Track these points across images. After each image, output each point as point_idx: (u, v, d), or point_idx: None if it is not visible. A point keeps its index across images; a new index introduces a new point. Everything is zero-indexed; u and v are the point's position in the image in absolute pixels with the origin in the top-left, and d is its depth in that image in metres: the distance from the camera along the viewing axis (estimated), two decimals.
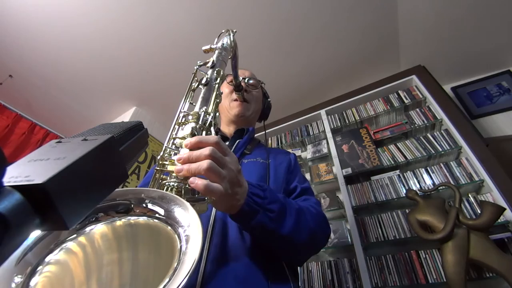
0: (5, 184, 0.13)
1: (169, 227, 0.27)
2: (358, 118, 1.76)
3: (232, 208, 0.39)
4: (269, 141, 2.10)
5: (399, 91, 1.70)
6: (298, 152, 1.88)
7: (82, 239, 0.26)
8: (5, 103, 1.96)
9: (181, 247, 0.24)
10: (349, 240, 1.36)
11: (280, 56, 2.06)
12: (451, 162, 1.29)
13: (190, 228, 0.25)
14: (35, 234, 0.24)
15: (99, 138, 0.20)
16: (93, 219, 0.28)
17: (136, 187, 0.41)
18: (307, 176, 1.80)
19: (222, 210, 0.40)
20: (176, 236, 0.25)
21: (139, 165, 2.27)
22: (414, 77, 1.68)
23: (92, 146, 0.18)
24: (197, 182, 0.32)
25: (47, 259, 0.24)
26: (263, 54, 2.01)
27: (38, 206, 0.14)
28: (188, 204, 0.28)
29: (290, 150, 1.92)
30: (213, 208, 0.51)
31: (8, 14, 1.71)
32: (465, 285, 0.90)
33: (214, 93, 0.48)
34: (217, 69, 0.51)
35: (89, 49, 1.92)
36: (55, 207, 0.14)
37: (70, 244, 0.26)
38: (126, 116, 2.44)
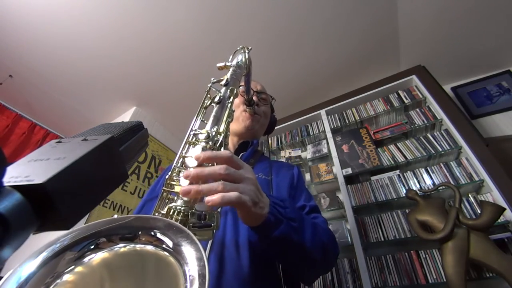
0: (5, 184, 0.13)
1: (177, 262, 0.24)
2: (358, 118, 1.76)
3: (257, 218, 0.37)
4: (269, 141, 2.10)
5: (399, 91, 1.70)
6: (298, 152, 1.88)
7: (80, 269, 0.23)
8: (5, 103, 1.96)
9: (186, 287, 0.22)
10: (349, 240, 1.36)
11: (280, 56, 2.06)
12: (451, 162, 1.29)
13: (195, 269, 0.23)
14: (31, 266, 0.21)
15: (99, 138, 0.20)
16: (93, 246, 0.24)
17: (142, 197, 0.39)
18: (307, 176, 1.80)
19: (247, 221, 0.38)
20: (181, 272, 0.23)
21: (139, 165, 2.27)
22: (414, 77, 1.68)
23: (92, 146, 0.18)
24: (214, 199, 0.30)
25: None
26: (263, 54, 2.01)
27: (38, 206, 0.14)
28: (197, 240, 0.25)
29: (290, 150, 1.93)
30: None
31: (8, 14, 1.71)
32: (465, 285, 0.90)
33: (227, 112, 0.46)
34: (230, 88, 0.50)
35: (89, 48, 1.92)
36: (55, 207, 0.14)
37: (66, 277, 0.23)
38: (126, 116, 2.44)
